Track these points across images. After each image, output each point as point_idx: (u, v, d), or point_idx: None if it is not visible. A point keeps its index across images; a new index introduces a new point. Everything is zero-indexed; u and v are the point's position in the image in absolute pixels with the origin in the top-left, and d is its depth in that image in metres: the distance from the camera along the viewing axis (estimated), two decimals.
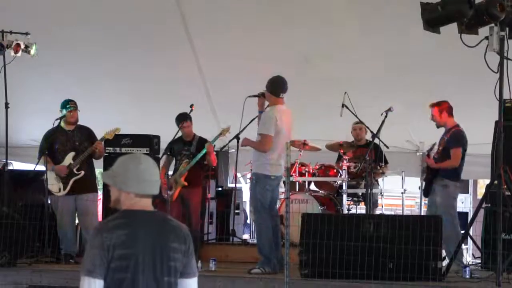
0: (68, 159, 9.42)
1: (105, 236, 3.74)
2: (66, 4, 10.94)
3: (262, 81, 9.28)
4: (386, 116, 9.50)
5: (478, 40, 7.61)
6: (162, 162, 9.84)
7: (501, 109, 7.81)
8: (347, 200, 10.58)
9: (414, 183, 10.45)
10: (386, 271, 7.83)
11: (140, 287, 3.76)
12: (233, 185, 11.63)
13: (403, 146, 11.39)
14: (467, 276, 8.17)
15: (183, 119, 9.91)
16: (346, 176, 10.38)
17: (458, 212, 9.37)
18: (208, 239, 10.72)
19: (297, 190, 10.66)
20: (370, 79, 11.14)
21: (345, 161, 10.38)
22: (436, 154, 9.20)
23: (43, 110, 11.57)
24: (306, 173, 10.66)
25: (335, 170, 10.70)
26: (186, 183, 9.75)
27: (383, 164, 10.50)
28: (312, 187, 11.10)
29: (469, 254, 10.89)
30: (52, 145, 9.45)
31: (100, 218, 10.05)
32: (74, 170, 9.38)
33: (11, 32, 9.84)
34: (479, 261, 9.08)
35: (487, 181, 9.23)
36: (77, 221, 9.77)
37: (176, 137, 10.07)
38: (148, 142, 10.56)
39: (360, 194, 10.70)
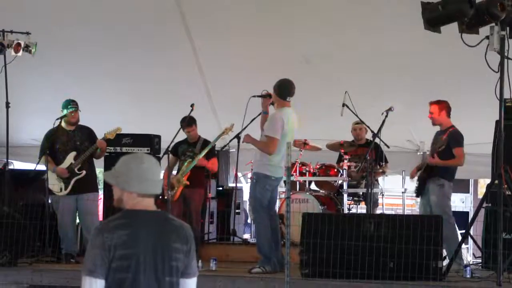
0: (70, 158, 9.42)
1: (106, 236, 3.74)
2: (66, 4, 10.95)
3: (262, 81, 9.29)
4: (386, 116, 9.50)
5: (479, 40, 7.61)
6: (167, 162, 9.85)
7: (501, 109, 7.81)
8: (348, 200, 10.58)
9: (415, 183, 10.42)
10: (386, 270, 7.84)
11: (141, 287, 3.76)
12: (233, 184, 11.63)
13: (404, 146, 11.39)
14: (468, 276, 8.17)
15: (188, 124, 9.92)
16: (347, 176, 10.39)
17: (459, 211, 9.40)
18: (209, 238, 10.73)
19: (297, 189, 10.66)
20: (370, 78, 11.14)
21: (345, 161, 10.39)
22: (435, 153, 9.21)
23: (43, 109, 11.58)
24: (307, 173, 10.66)
25: (335, 170, 10.70)
26: (188, 182, 9.78)
27: (383, 163, 10.50)
28: (313, 186, 11.10)
29: (469, 253, 10.90)
30: (53, 145, 9.46)
31: (101, 217, 10.06)
32: (76, 170, 9.38)
33: (11, 32, 9.84)
34: (480, 260, 9.07)
35: (488, 181, 9.23)
36: (77, 221, 9.77)
37: (181, 139, 10.09)
38: (149, 141, 10.58)
39: (361, 193, 10.70)
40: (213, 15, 10.97)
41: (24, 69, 10.75)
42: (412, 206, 13.31)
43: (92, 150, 9.41)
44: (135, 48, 11.42)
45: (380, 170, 10.57)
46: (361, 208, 10.98)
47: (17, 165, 11.38)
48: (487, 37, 7.63)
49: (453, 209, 12.24)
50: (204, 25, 11.12)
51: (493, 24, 7.58)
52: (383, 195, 10.90)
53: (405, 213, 10.20)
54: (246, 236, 11.86)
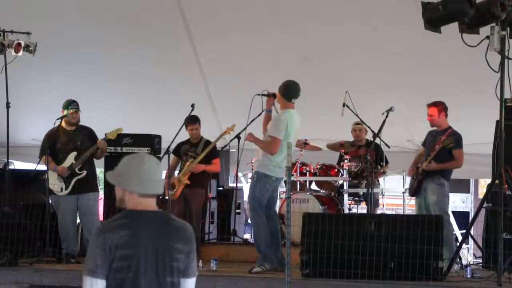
0: (70, 158, 9.42)
1: (107, 236, 3.74)
2: (66, 4, 10.96)
3: (262, 81, 9.30)
4: (387, 116, 9.50)
5: (479, 40, 7.61)
6: (168, 163, 9.85)
7: (502, 109, 7.81)
8: (348, 200, 10.58)
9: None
10: (387, 270, 7.84)
11: None
12: (234, 184, 11.63)
13: (404, 146, 11.38)
14: (468, 276, 8.17)
15: (192, 121, 9.95)
16: (347, 176, 10.39)
17: (459, 211, 9.41)
18: (209, 238, 10.73)
19: (298, 189, 10.66)
20: (371, 78, 11.14)
21: (346, 161, 10.39)
22: (432, 152, 9.21)
23: (44, 109, 11.59)
24: (307, 173, 10.66)
25: (336, 170, 10.70)
26: (188, 182, 9.79)
27: (383, 163, 10.50)
28: (313, 186, 11.10)
29: (470, 253, 10.90)
30: (54, 145, 9.46)
31: (101, 217, 10.06)
32: (76, 170, 9.38)
33: (12, 32, 9.85)
34: (480, 260, 9.08)
35: (488, 181, 9.24)
36: (78, 221, 9.77)
37: (183, 140, 10.11)
38: (149, 141, 10.58)
39: (361, 193, 10.70)
40: (213, 15, 10.98)
41: (24, 69, 10.75)
42: (412, 206, 13.29)
43: (93, 150, 9.41)
44: (135, 48, 11.43)
45: (381, 170, 10.57)
46: (362, 208, 10.98)
47: (17, 165, 11.37)
48: (488, 37, 7.63)
49: (453, 209, 12.28)
50: (204, 25, 11.13)
51: (494, 24, 7.58)
52: (383, 195, 10.90)
53: (406, 213, 10.19)
54: (247, 236, 11.85)
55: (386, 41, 10.64)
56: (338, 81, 10.81)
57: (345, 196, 10.42)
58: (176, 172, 10.21)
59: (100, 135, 9.67)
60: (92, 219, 9.39)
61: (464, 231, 8.67)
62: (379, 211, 10.74)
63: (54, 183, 9.37)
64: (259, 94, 8.86)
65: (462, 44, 7.51)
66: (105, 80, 11.99)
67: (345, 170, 10.40)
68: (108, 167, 10.38)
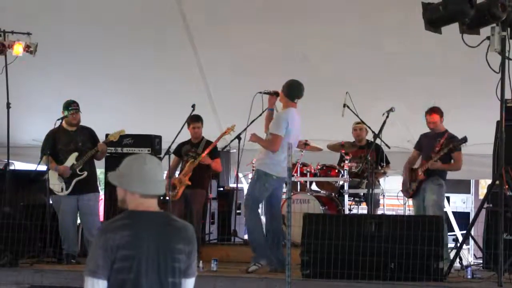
0: (71, 159, 9.42)
1: (109, 236, 3.74)
2: (67, 5, 10.96)
3: (263, 81, 9.30)
4: (387, 117, 9.50)
5: (480, 40, 7.61)
6: (168, 163, 9.86)
7: (502, 109, 7.80)
8: (349, 200, 10.58)
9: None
10: (387, 271, 7.84)
11: None
12: (234, 185, 11.62)
13: (405, 146, 11.38)
14: (469, 276, 8.17)
15: (195, 120, 9.97)
16: (348, 176, 10.39)
17: (460, 212, 9.43)
18: (210, 239, 10.73)
19: (298, 190, 10.66)
20: (371, 79, 11.14)
21: (346, 161, 10.39)
22: (433, 153, 9.25)
23: (44, 110, 11.59)
24: (308, 173, 10.66)
25: (336, 171, 10.70)
26: (189, 182, 9.79)
27: (384, 164, 10.50)
28: (314, 187, 11.09)
29: (470, 254, 10.90)
30: (55, 145, 9.45)
31: (101, 218, 10.06)
32: (77, 170, 9.39)
33: (12, 32, 9.85)
34: (481, 261, 9.08)
35: (489, 181, 9.25)
36: (78, 221, 9.77)
37: (184, 140, 10.11)
38: (150, 142, 10.57)
39: (362, 194, 10.70)
40: (213, 15, 10.98)
41: (25, 70, 10.75)
42: (412, 206, 13.29)
43: (93, 152, 9.42)
44: (135, 48, 11.44)
45: (382, 171, 10.56)
46: (362, 209, 10.98)
47: (18, 165, 11.37)
48: (488, 38, 7.62)
49: (454, 210, 12.29)
50: (204, 25, 11.13)
51: (494, 24, 7.57)
52: (384, 195, 10.90)
53: (406, 214, 10.19)
54: (247, 236, 11.84)
55: (387, 42, 10.64)
56: (339, 82, 10.81)
57: (346, 196, 10.42)
58: (177, 173, 10.21)
59: (100, 136, 9.67)
60: (92, 219, 9.39)
61: (465, 231, 8.67)
62: (379, 212, 10.74)
63: (55, 183, 9.37)
64: (261, 92, 8.88)
65: (463, 45, 7.51)
66: (105, 81, 11.99)
67: (345, 171, 10.40)
68: (109, 167, 10.40)
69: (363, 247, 7.92)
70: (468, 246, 10.69)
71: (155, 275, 3.78)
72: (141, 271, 3.75)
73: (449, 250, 8.91)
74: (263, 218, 11.43)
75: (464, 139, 9.09)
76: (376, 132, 9.72)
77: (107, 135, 9.69)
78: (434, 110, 9.31)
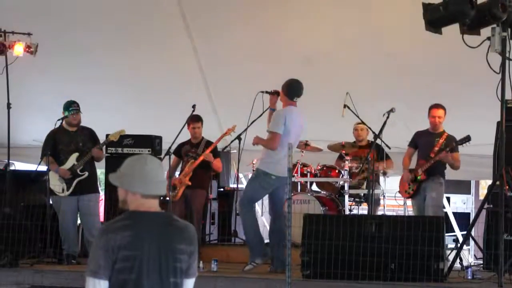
0: (72, 159, 9.42)
1: (110, 237, 3.75)
2: (67, 5, 10.96)
3: (263, 81, 9.29)
4: (388, 117, 9.51)
5: (480, 41, 7.60)
6: (169, 163, 9.86)
7: (503, 110, 7.80)
8: (349, 201, 10.58)
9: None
10: (388, 271, 7.83)
11: None
12: (235, 185, 11.62)
13: (405, 147, 11.37)
14: (469, 277, 8.17)
15: (195, 120, 9.97)
16: (348, 177, 10.39)
17: (460, 213, 9.43)
18: (210, 239, 10.73)
19: (299, 190, 10.65)
20: (372, 79, 11.14)
21: (346, 162, 10.38)
22: (432, 153, 9.34)
23: (45, 110, 11.60)
24: (308, 174, 10.66)
25: (337, 171, 10.70)
26: (189, 183, 9.79)
27: (384, 160, 10.45)
28: (314, 187, 11.09)
29: (471, 255, 10.90)
30: (55, 146, 9.46)
31: (102, 218, 10.06)
32: (78, 171, 9.39)
33: (13, 33, 9.85)
34: (481, 262, 9.08)
35: (489, 182, 9.25)
36: (79, 222, 9.77)
37: (184, 140, 10.11)
38: (150, 142, 10.57)
39: (362, 194, 10.70)
40: (214, 16, 10.99)
41: (25, 70, 10.75)
42: (412, 207, 13.30)
43: (91, 155, 9.42)
44: (135, 48, 11.44)
45: (382, 171, 10.52)
46: (363, 209, 10.97)
47: (18, 166, 11.37)
48: (489, 38, 7.62)
49: (454, 210, 12.29)
50: (205, 26, 11.14)
51: (495, 25, 7.57)
52: (384, 196, 10.89)
53: (407, 214, 10.19)
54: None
55: (387, 42, 10.64)
56: (339, 82, 10.81)
57: (346, 197, 10.42)
58: (177, 173, 10.21)
59: (101, 136, 9.67)
60: (93, 220, 9.40)
61: (465, 232, 8.66)
62: (379, 212, 10.73)
63: (55, 183, 9.37)
64: (262, 92, 8.89)
65: (463, 45, 7.50)
66: (105, 81, 11.99)
67: (345, 171, 10.39)
68: (109, 168, 10.40)
69: (364, 248, 7.91)
70: (468, 247, 10.70)
71: (156, 275, 3.78)
72: (142, 271, 3.76)
73: (449, 251, 8.90)
74: (263, 218, 11.53)
75: (468, 138, 9.11)
76: (377, 132, 9.72)
77: (107, 135, 9.70)
78: (441, 106, 9.35)
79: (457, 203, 14.14)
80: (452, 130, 9.55)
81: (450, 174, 9.86)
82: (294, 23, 10.84)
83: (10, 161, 10.00)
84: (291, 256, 7.65)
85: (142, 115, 12.12)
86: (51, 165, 9.33)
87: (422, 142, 9.58)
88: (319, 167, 10.74)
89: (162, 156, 10.08)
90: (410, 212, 10.05)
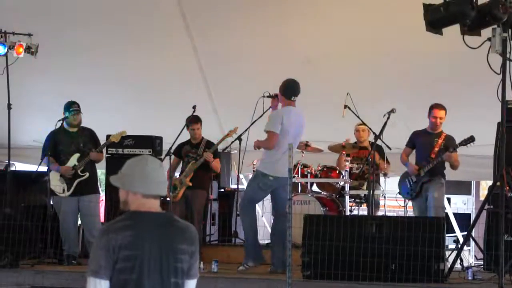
0: (73, 160, 9.42)
1: (111, 237, 3.75)
2: (67, 6, 10.96)
3: (263, 81, 9.29)
4: (388, 118, 9.50)
5: (481, 42, 7.60)
6: (169, 164, 9.86)
7: (503, 111, 7.80)
8: (350, 202, 10.58)
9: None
10: (388, 272, 7.84)
11: None
12: (235, 186, 11.62)
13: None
14: (470, 278, 8.17)
15: (194, 121, 9.97)
16: (349, 178, 10.39)
17: (460, 213, 9.44)
18: (210, 240, 10.73)
19: (299, 191, 10.66)
20: (372, 80, 11.14)
21: (347, 162, 10.38)
22: (432, 154, 9.36)
23: (45, 111, 11.59)
24: (309, 175, 10.65)
25: (337, 172, 10.70)
26: (190, 184, 9.79)
27: (385, 165, 10.47)
28: (315, 188, 11.09)
29: (471, 255, 10.89)
30: (56, 146, 9.46)
31: (102, 219, 10.06)
32: (79, 171, 9.39)
33: (13, 33, 9.85)
34: (482, 262, 9.08)
35: (490, 183, 9.25)
36: (79, 222, 9.77)
37: (184, 141, 10.11)
38: (151, 143, 10.58)
39: (363, 195, 10.69)
40: (214, 16, 10.99)
41: (26, 71, 10.76)
42: (412, 208, 13.30)
43: (90, 158, 9.43)
44: (136, 49, 11.44)
45: (382, 172, 10.52)
46: (363, 210, 10.97)
47: (18, 166, 11.38)
48: (489, 39, 7.62)
49: (454, 211, 12.28)
50: (205, 26, 11.14)
51: (495, 26, 7.57)
52: (384, 197, 10.89)
53: (407, 215, 10.19)
54: None
55: (388, 42, 10.64)
56: (339, 82, 10.81)
57: (347, 198, 10.42)
58: (177, 174, 10.20)
59: (101, 136, 9.67)
60: (93, 220, 9.40)
61: (466, 233, 8.66)
62: (380, 213, 10.73)
63: (56, 184, 9.38)
64: (263, 96, 8.90)
65: (464, 46, 7.50)
66: (106, 81, 11.99)
67: (346, 172, 10.39)
68: (110, 169, 10.40)
69: (364, 248, 7.91)
70: (469, 248, 10.68)
71: (157, 275, 3.78)
72: (143, 271, 3.76)
73: (450, 252, 8.90)
74: (263, 219, 11.53)
75: (472, 139, 9.12)
76: (377, 133, 9.71)
77: (108, 136, 9.69)
78: (443, 106, 9.37)
79: (457, 204, 14.13)
80: (452, 130, 9.55)
81: (450, 174, 9.86)
82: (294, 23, 10.84)
83: (10, 162, 10.00)
84: (292, 256, 7.65)
85: (142, 115, 12.12)
86: (52, 164, 9.33)
87: (421, 142, 9.58)
88: (319, 168, 10.74)
89: (162, 156, 10.08)
90: (411, 213, 10.05)
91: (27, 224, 9.30)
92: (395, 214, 11.44)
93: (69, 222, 9.41)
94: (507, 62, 7.60)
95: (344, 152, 10.60)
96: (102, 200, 10.80)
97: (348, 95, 9.83)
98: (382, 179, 10.60)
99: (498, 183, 7.90)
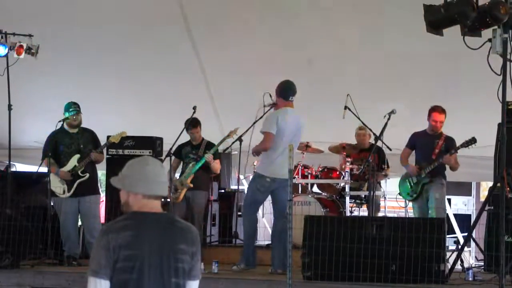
0: (73, 161, 9.43)
1: (111, 236, 3.76)
2: (68, 7, 10.97)
3: (264, 83, 9.29)
4: (389, 119, 9.51)
5: (481, 43, 7.60)
6: (169, 165, 9.86)
7: (503, 111, 7.80)
8: (350, 203, 10.58)
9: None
10: (389, 273, 7.83)
11: None
12: (235, 187, 11.62)
13: None
14: (470, 279, 8.17)
15: (193, 125, 9.95)
16: (349, 179, 10.39)
17: (461, 214, 9.44)
18: (211, 241, 10.72)
19: (299, 192, 10.66)
20: (372, 80, 11.14)
21: (347, 163, 10.39)
22: (433, 155, 9.39)
23: (45, 111, 11.59)
24: (309, 175, 10.66)
25: (337, 173, 10.70)
26: (191, 185, 9.78)
27: (385, 166, 10.50)
28: (315, 189, 11.09)
29: (472, 256, 10.89)
30: (56, 147, 9.46)
31: (102, 220, 10.06)
32: (79, 172, 9.39)
33: (14, 34, 9.85)
34: (482, 263, 9.07)
35: (490, 184, 9.25)
36: (79, 223, 9.77)
37: (184, 141, 10.10)
38: (151, 144, 10.58)
39: (363, 196, 10.70)
40: (215, 17, 10.99)
41: (26, 71, 10.76)
42: (412, 209, 13.30)
43: (90, 158, 9.43)
44: (137, 50, 11.45)
45: (383, 173, 10.55)
46: (363, 211, 10.97)
47: (19, 167, 11.38)
48: (490, 40, 7.61)
49: (455, 212, 12.27)
50: (206, 27, 11.15)
51: (496, 26, 7.57)
52: (385, 198, 10.89)
53: (407, 216, 10.19)
54: None
55: (388, 43, 10.65)
56: (340, 83, 10.81)
57: (347, 198, 10.42)
58: (177, 175, 10.20)
59: (101, 137, 9.67)
60: (93, 221, 9.40)
61: (466, 234, 8.66)
62: (380, 214, 10.73)
63: (56, 185, 9.38)
64: (264, 106, 8.92)
65: (464, 47, 7.50)
66: (106, 82, 12.00)
67: (347, 173, 10.39)
68: (110, 169, 10.41)
69: (365, 249, 7.91)
70: (469, 248, 10.67)
71: (158, 275, 3.79)
72: (143, 271, 3.76)
73: (450, 253, 8.90)
74: (264, 220, 11.53)
75: (474, 140, 9.12)
76: (378, 134, 9.72)
77: (108, 137, 9.70)
78: (443, 110, 9.38)
79: (458, 205, 14.12)
80: (453, 131, 9.55)
81: (451, 175, 9.87)
82: (295, 25, 10.83)
83: (11, 163, 10.00)
84: (292, 257, 7.64)
85: (142, 116, 12.13)
86: (51, 167, 9.33)
87: (421, 144, 9.59)
88: (320, 169, 10.74)
89: (163, 157, 10.08)
90: (411, 213, 10.05)
91: (28, 225, 9.31)
92: (395, 215, 11.44)
93: (70, 223, 9.41)
94: (508, 63, 7.60)
95: (345, 153, 10.60)
96: (103, 201, 10.80)
97: (348, 96, 9.84)
98: (382, 180, 10.61)
99: (498, 184, 7.90)
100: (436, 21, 7.62)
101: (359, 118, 10.10)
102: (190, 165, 9.92)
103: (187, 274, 3.87)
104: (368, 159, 9.78)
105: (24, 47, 9.83)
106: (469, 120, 10.47)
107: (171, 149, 9.83)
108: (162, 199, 4.01)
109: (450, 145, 9.37)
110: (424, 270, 7.76)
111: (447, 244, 8.46)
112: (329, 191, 10.90)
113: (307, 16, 10.73)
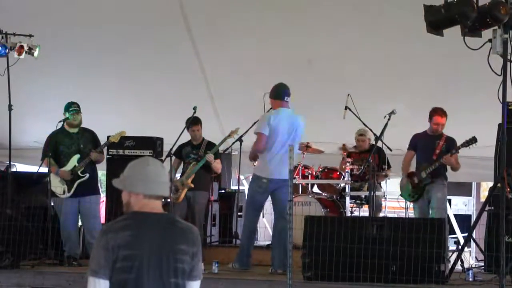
0: (73, 161, 9.43)
1: (110, 236, 3.76)
2: (68, 7, 10.97)
3: (264, 83, 9.29)
4: (389, 119, 9.51)
5: (481, 43, 7.60)
6: (170, 165, 9.86)
7: (504, 112, 7.80)
8: (350, 203, 10.57)
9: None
10: (389, 273, 7.83)
11: None
12: (236, 187, 11.62)
13: (406, 149, 11.39)
14: (470, 279, 8.17)
15: (194, 123, 9.96)
16: (349, 179, 10.39)
17: (461, 215, 9.44)
18: (211, 241, 10.72)
19: (300, 192, 10.65)
20: (373, 81, 11.14)
21: (348, 164, 10.39)
22: (434, 155, 9.37)
23: (46, 112, 11.59)
24: (309, 176, 10.66)
25: (338, 173, 10.70)
26: (192, 185, 9.78)
27: (386, 167, 10.50)
28: (315, 189, 11.08)
29: (472, 257, 10.89)
30: (57, 148, 9.46)
31: (102, 220, 10.06)
32: (79, 172, 9.39)
33: (14, 34, 9.85)
34: (482, 264, 9.08)
35: (490, 184, 9.25)
36: (80, 223, 9.77)
37: (185, 141, 10.10)
38: (151, 144, 10.58)
39: (363, 196, 10.69)
40: (215, 17, 10.99)
41: (26, 72, 10.76)
42: (413, 209, 13.29)
43: (90, 159, 9.43)
44: (137, 50, 11.45)
45: (383, 174, 10.55)
46: (364, 211, 10.97)
47: (19, 167, 11.38)
48: (490, 40, 7.61)
49: (455, 212, 12.28)
50: (206, 27, 11.15)
51: (496, 27, 7.57)
52: (385, 198, 10.89)
53: (408, 216, 10.19)
54: None
55: (388, 44, 10.65)
56: (340, 84, 10.81)
57: (347, 199, 10.41)
58: (178, 175, 10.20)
59: (101, 137, 9.67)
60: (93, 221, 9.40)
61: (466, 234, 8.66)
62: (381, 214, 10.73)
63: (57, 185, 9.38)
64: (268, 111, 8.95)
65: (464, 47, 7.50)
66: (106, 82, 12.01)
67: (347, 173, 10.39)
68: (110, 170, 10.41)
69: (365, 250, 7.91)
70: (469, 249, 10.67)
71: (157, 275, 3.79)
72: (142, 271, 3.77)
73: (451, 253, 8.90)
74: (264, 220, 11.53)
75: (474, 140, 9.12)
76: (378, 134, 9.72)
77: (108, 137, 9.70)
78: (444, 113, 9.38)
79: (458, 205, 14.12)
80: (453, 131, 9.55)
81: (451, 176, 9.87)
82: (295, 25, 10.83)
83: (11, 163, 10.00)
84: (292, 258, 7.64)
85: (143, 116, 12.13)
86: (52, 167, 9.33)
87: (422, 145, 9.59)
88: (320, 169, 10.74)
89: (163, 157, 10.08)
90: (412, 214, 10.05)
91: (28, 225, 9.30)
92: (396, 215, 11.44)
93: (70, 223, 9.42)
94: (508, 63, 7.60)
95: (345, 154, 10.60)
96: (103, 201, 10.80)
97: (349, 97, 9.84)
98: (383, 180, 10.61)
99: (499, 185, 7.90)
100: (436, 22, 7.62)
101: (359, 119, 10.10)
102: (191, 165, 9.93)
103: (188, 275, 3.87)
104: (368, 159, 9.78)
105: (25, 47, 9.83)
106: (469, 120, 10.47)
107: (171, 149, 9.83)
108: (163, 200, 4.01)
109: (450, 146, 9.38)
110: (425, 270, 7.76)
111: (447, 245, 8.46)
112: (329, 192, 10.90)
113: (307, 16, 10.73)
